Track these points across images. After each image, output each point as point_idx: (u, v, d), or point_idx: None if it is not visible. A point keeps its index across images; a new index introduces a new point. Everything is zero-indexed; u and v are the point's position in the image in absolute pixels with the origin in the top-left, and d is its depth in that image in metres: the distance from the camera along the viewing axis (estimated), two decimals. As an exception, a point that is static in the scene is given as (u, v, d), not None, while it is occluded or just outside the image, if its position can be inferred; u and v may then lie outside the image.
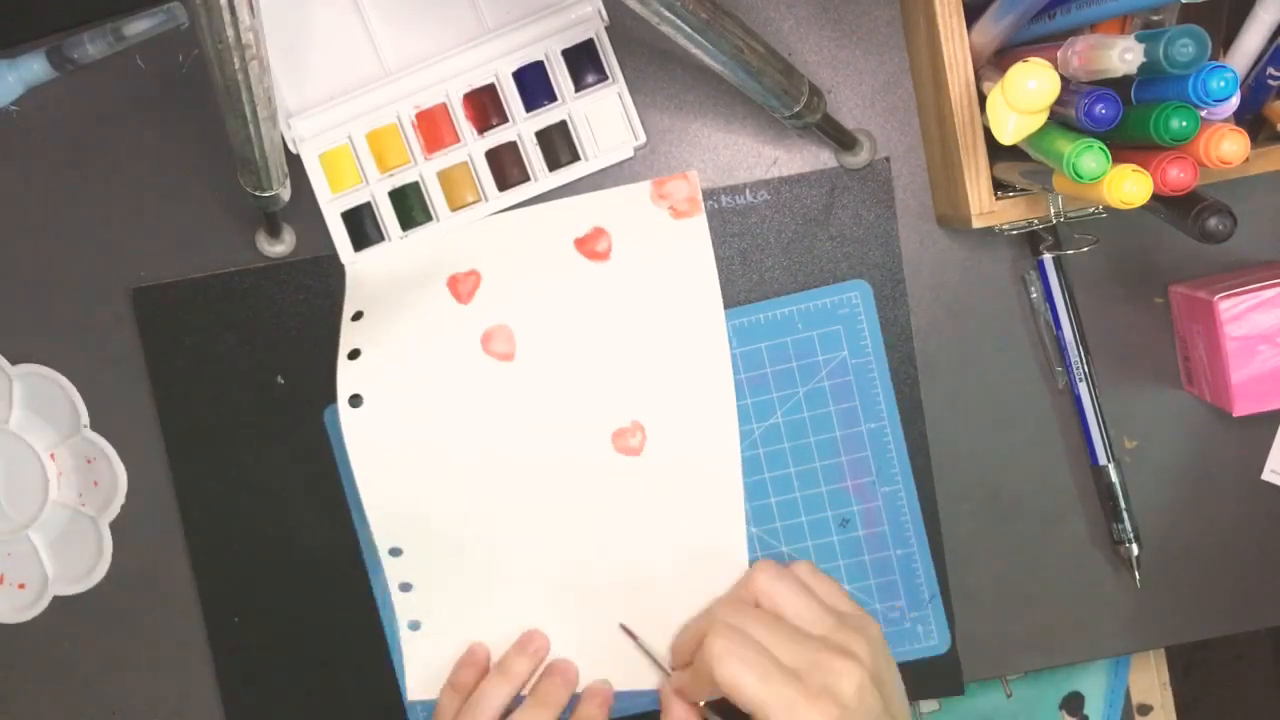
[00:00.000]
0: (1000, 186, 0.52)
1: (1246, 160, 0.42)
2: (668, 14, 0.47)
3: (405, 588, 0.61)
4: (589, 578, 0.60)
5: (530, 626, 0.61)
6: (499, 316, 0.58)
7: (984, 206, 0.52)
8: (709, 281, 0.58)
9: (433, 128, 0.59)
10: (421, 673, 0.62)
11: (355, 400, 0.58)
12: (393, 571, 0.61)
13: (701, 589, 0.60)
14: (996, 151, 0.51)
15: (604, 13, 0.58)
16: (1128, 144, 0.44)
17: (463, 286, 0.59)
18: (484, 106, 0.59)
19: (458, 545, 0.60)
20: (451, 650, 0.61)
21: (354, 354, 0.58)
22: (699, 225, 0.59)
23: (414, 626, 0.62)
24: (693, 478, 0.59)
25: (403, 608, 0.61)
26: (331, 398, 0.60)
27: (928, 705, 0.76)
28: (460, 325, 0.58)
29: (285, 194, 0.55)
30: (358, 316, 0.59)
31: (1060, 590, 0.61)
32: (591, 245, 0.59)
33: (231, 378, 0.62)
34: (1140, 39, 0.41)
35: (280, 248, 0.61)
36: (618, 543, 0.60)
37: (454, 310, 0.59)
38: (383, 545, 0.60)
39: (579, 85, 0.59)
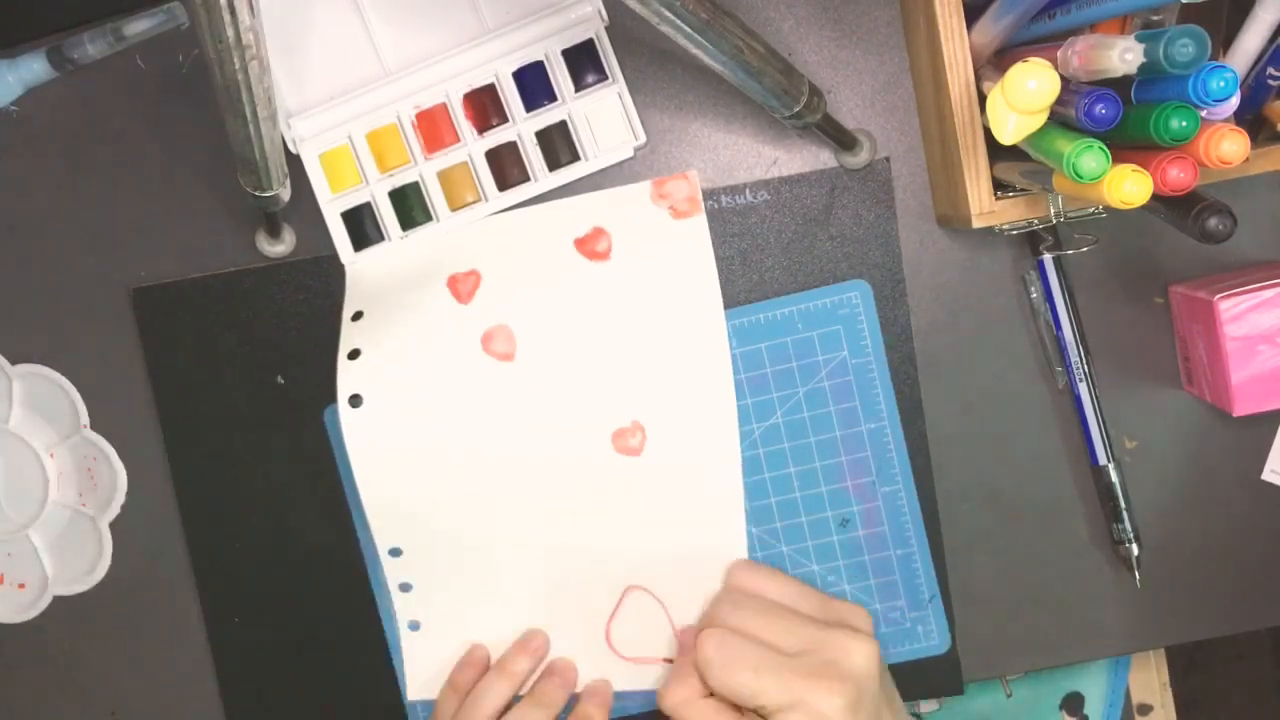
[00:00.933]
0: (1000, 186, 0.52)
1: (1246, 160, 0.42)
2: (668, 14, 0.47)
3: (405, 588, 0.61)
4: (588, 577, 0.60)
5: (530, 626, 0.61)
6: (499, 316, 0.58)
7: (984, 206, 0.52)
8: (709, 281, 0.58)
9: (433, 128, 0.59)
10: (421, 673, 0.62)
11: (355, 400, 0.58)
12: (392, 571, 0.61)
13: (701, 589, 0.60)
14: (996, 151, 0.51)
15: (604, 13, 0.58)
16: (1128, 144, 0.44)
17: (463, 286, 0.59)
18: (484, 106, 0.59)
19: (457, 545, 0.60)
20: (451, 650, 0.61)
21: (354, 354, 0.58)
22: (699, 225, 0.59)
23: (414, 626, 0.62)
24: (693, 478, 0.59)
25: (403, 607, 0.61)
26: (332, 398, 0.60)
27: (928, 705, 0.76)
28: (460, 325, 0.58)
29: (285, 194, 0.55)
30: (358, 316, 0.59)
31: (1060, 590, 0.61)
32: (591, 245, 0.59)
33: (231, 378, 0.62)
34: (1140, 39, 0.41)
35: (280, 248, 0.61)
36: (618, 543, 0.60)
37: (454, 310, 0.59)
38: (382, 545, 0.60)
39: (579, 85, 0.59)
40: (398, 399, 0.58)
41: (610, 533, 0.60)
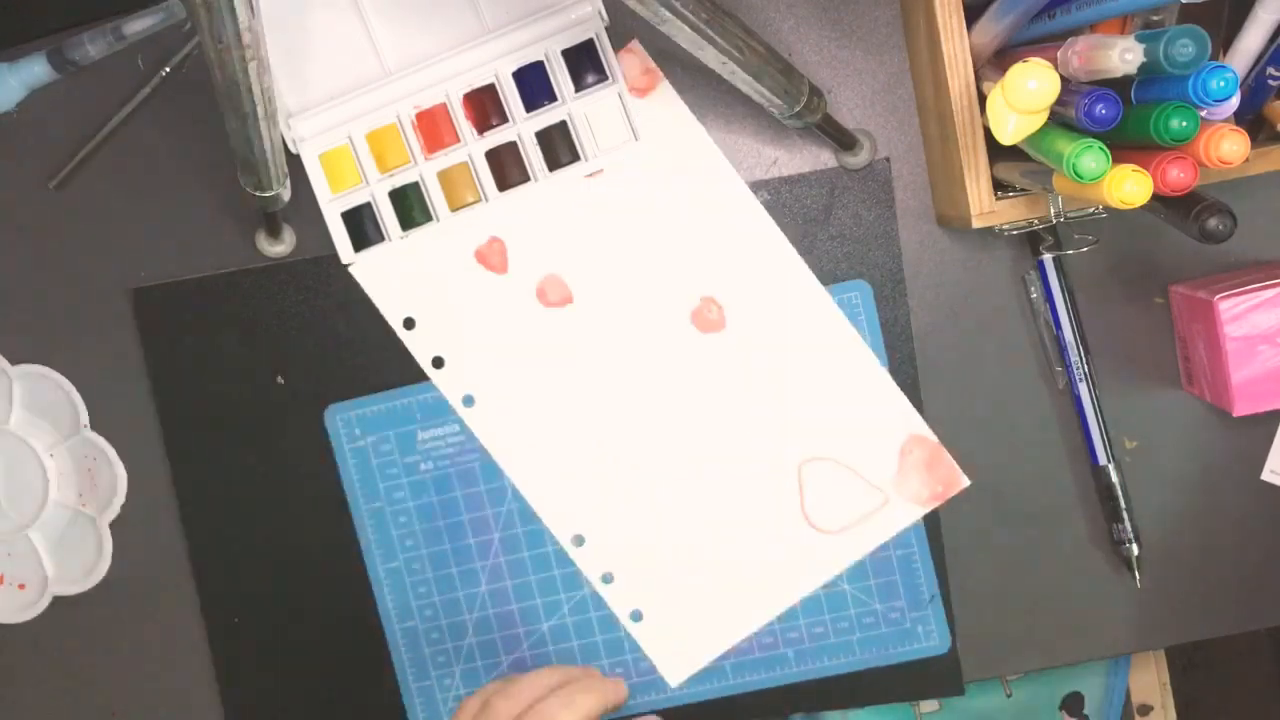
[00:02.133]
0: (1000, 186, 0.52)
1: (1246, 160, 0.42)
2: (668, 14, 0.47)
3: (607, 579, 0.61)
4: (758, 474, 0.60)
5: (734, 553, 0.61)
6: (542, 269, 0.60)
7: (984, 206, 0.52)
8: (703, 142, 0.59)
9: (433, 128, 0.59)
10: (668, 655, 0.62)
11: (468, 400, 0.60)
12: (586, 563, 0.61)
13: (870, 433, 0.60)
14: (996, 151, 0.51)
15: (604, 13, 0.58)
16: (1128, 144, 0.44)
17: (493, 258, 0.60)
18: (484, 106, 0.59)
19: (630, 508, 0.61)
20: (685, 628, 0.61)
21: (438, 361, 0.60)
22: (665, 94, 0.59)
23: (636, 617, 0.62)
24: (788, 336, 0.60)
25: (615, 600, 0.61)
26: (331, 397, 0.60)
27: (928, 705, 0.76)
28: (512, 294, 0.60)
29: (285, 194, 0.55)
30: (410, 324, 0.60)
31: (1060, 590, 0.61)
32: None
33: (232, 378, 0.62)
34: (1140, 39, 0.41)
35: (280, 248, 0.61)
36: (766, 429, 0.60)
37: (497, 283, 0.60)
38: (564, 537, 0.61)
39: (579, 85, 0.59)
40: (499, 387, 0.60)
41: (755, 420, 0.60)
